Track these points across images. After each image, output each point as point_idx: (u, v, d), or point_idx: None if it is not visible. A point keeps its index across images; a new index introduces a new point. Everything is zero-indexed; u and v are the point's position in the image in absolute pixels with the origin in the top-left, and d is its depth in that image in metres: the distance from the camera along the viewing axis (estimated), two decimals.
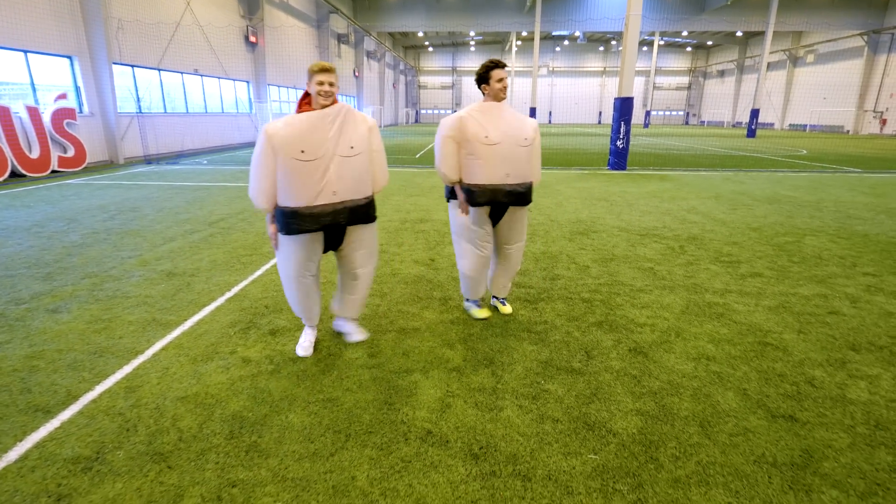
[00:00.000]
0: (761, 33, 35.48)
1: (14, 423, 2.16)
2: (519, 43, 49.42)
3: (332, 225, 2.46)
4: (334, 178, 2.40)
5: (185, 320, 3.22)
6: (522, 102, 50.48)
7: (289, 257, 2.57)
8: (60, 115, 10.89)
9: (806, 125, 38.54)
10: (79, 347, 2.84)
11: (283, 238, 2.53)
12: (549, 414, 2.24)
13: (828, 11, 30.13)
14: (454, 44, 54.54)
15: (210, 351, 2.81)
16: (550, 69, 56.10)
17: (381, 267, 4.37)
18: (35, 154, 10.24)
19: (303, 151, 2.33)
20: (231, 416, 2.21)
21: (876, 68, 32.48)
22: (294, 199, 2.38)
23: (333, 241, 2.65)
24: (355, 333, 2.92)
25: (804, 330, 3.11)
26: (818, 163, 13.48)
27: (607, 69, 55.84)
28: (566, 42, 52.63)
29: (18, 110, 10.09)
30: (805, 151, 17.50)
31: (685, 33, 44.34)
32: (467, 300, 3.33)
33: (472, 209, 2.94)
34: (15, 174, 9.89)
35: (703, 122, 55.56)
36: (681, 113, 58.44)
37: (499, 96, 2.83)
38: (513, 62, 39.66)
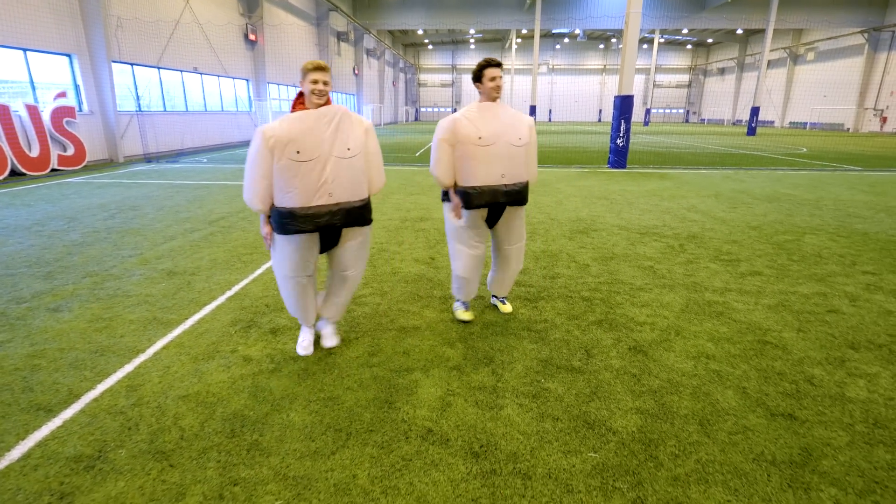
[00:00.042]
0: (762, 31, 35.44)
1: (16, 421, 2.16)
2: (519, 41, 49.35)
3: (327, 226, 2.45)
4: (330, 179, 2.39)
5: (186, 319, 3.23)
6: (522, 100, 50.42)
7: (284, 258, 2.57)
8: (60, 114, 10.88)
9: (806, 123, 38.52)
10: (80, 346, 2.85)
11: (279, 238, 2.53)
12: (550, 412, 2.24)
13: (828, 9, 30.08)
14: (454, 41, 54.45)
15: (211, 350, 2.82)
16: (550, 67, 56.02)
17: (382, 265, 4.38)
18: (35, 153, 10.24)
19: (298, 152, 2.32)
20: (232, 414, 2.22)
21: (876, 66, 32.44)
22: (290, 200, 2.37)
23: (329, 242, 2.64)
24: (329, 338, 2.88)
25: (803, 328, 3.12)
26: (818, 161, 13.48)
27: (607, 67, 55.77)
28: (566, 40, 52.55)
29: (18, 109, 10.08)
30: (805, 149, 17.49)
31: (685, 31, 44.26)
32: (456, 300, 3.32)
33: (467, 211, 2.91)
34: (15, 173, 9.89)
35: (703, 120, 55.51)
36: (681, 111, 58.38)
37: (491, 95, 2.80)
38: (513, 60, 39.61)
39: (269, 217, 2.50)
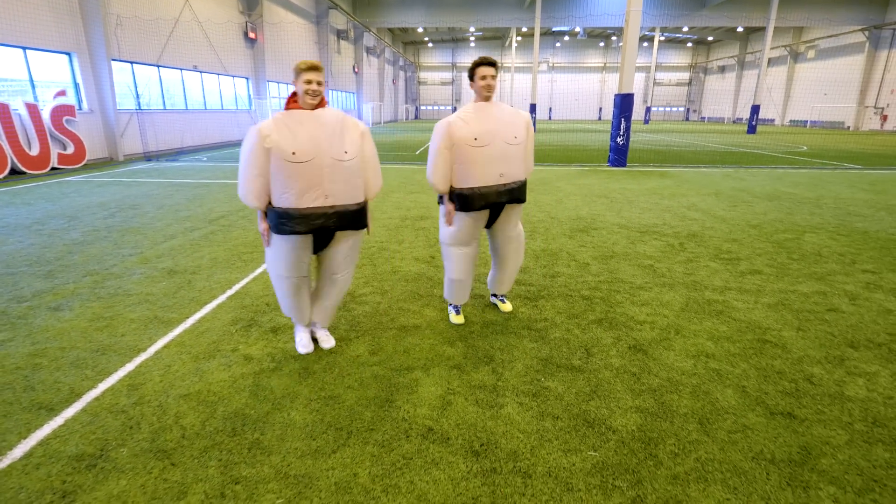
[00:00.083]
0: (762, 29, 35.37)
1: (18, 420, 2.17)
2: (519, 39, 49.26)
3: (321, 228, 2.43)
4: (327, 181, 2.37)
5: (187, 318, 3.23)
6: (523, 99, 50.36)
7: (279, 257, 2.56)
8: (60, 112, 10.87)
9: (806, 121, 38.48)
10: (81, 345, 2.86)
11: (274, 237, 2.52)
12: (550, 411, 2.25)
13: (829, 7, 30.02)
14: (454, 39, 54.35)
15: (212, 349, 2.83)
16: (550, 65, 55.94)
17: (382, 264, 4.38)
18: (35, 151, 10.24)
19: (294, 153, 2.30)
20: (233, 413, 2.23)
21: (877, 64, 32.39)
22: (286, 200, 2.37)
23: (322, 244, 2.62)
24: (326, 341, 2.88)
25: (803, 327, 3.13)
26: (818, 159, 13.47)
27: (607, 65, 55.69)
28: (566, 38, 52.46)
29: (18, 107, 10.07)
30: (805, 148, 17.48)
31: (686, 29, 44.16)
32: (449, 305, 3.30)
33: (465, 214, 2.89)
34: (15, 171, 9.89)
35: (703, 119, 55.45)
36: (681, 109, 58.31)
37: (482, 94, 2.78)
38: (513, 58, 39.53)
39: (266, 214, 2.49)
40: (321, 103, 2.44)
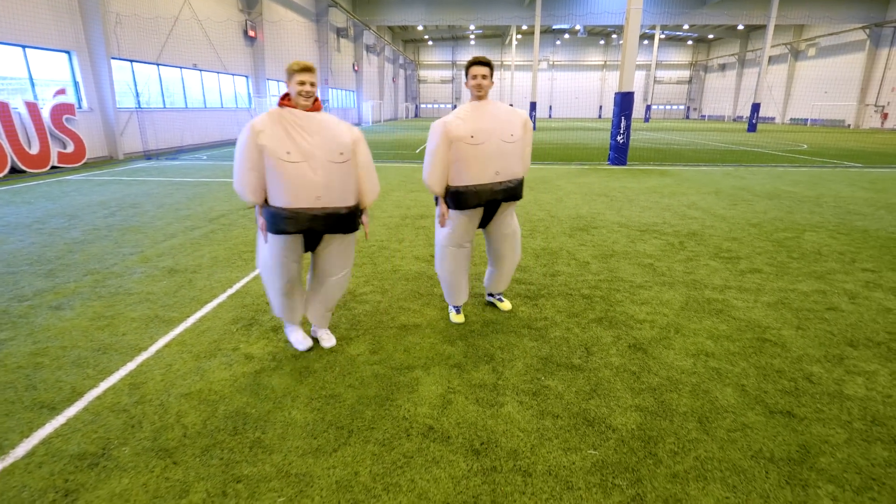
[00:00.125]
0: (763, 27, 35.30)
1: (20, 419, 2.18)
2: (519, 37, 49.17)
3: (310, 230, 2.42)
4: (320, 182, 2.35)
5: (188, 317, 3.24)
6: (523, 97, 50.29)
7: (270, 255, 2.55)
8: (59, 111, 10.87)
9: (807, 119, 38.44)
10: (82, 344, 2.86)
11: (269, 235, 2.51)
12: (550, 410, 2.26)
13: (829, 5, 29.95)
14: (454, 37, 54.25)
15: (213, 348, 2.83)
16: (551, 63, 55.86)
17: (382, 263, 4.39)
18: (34, 150, 10.23)
19: (288, 153, 2.29)
20: (235, 412, 2.24)
21: (878, 62, 32.35)
22: (277, 199, 2.36)
23: (311, 244, 2.61)
24: (326, 340, 2.88)
25: (802, 326, 3.13)
26: (819, 157, 13.47)
27: (608, 63, 55.60)
28: (566, 36, 52.35)
29: (17, 106, 10.07)
30: (806, 146, 17.47)
31: (686, 27, 44.08)
32: (450, 305, 3.29)
33: (461, 213, 2.89)
34: (15, 170, 9.89)
35: (703, 117, 55.40)
36: (681, 107, 58.25)
37: (473, 93, 2.78)
38: (513, 56, 39.44)
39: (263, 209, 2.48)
40: (315, 105, 2.43)
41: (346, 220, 2.50)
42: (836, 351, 2.81)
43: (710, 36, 49.86)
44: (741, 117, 47.82)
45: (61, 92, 11.08)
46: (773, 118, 42.45)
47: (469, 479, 1.84)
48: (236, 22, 19.05)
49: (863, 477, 1.84)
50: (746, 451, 1.99)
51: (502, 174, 2.81)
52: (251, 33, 19.69)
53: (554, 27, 46.34)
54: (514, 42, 41.05)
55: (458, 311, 3.22)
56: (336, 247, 2.64)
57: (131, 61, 13.84)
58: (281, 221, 2.38)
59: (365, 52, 35.13)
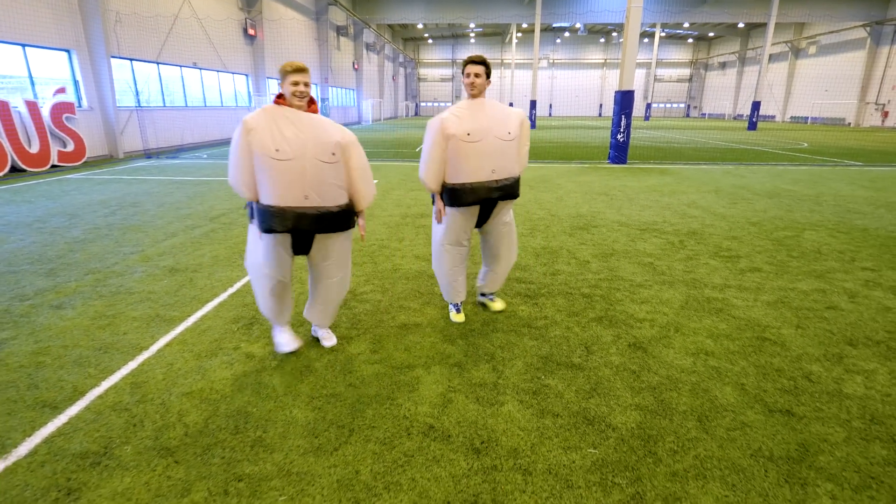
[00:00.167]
0: (763, 25, 35.24)
1: (22, 418, 2.19)
2: (519, 35, 49.10)
3: (297, 229, 2.40)
4: (308, 182, 2.34)
5: (189, 316, 3.25)
6: (523, 95, 50.22)
7: (259, 254, 2.53)
8: (59, 110, 10.86)
9: (807, 117, 38.41)
10: (84, 343, 2.87)
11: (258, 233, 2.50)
12: (550, 409, 2.27)
13: (830, 3, 29.90)
14: (454, 36, 54.17)
15: (214, 347, 2.84)
16: (551, 61, 55.78)
17: (383, 262, 4.39)
18: (35, 149, 10.23)
19: (278, 150, 2.28)
20: (236, 411, 2.24)
21: (878, 60, 32.30)
22: (266, 197, 2.36)
23: (301, 246, 2.57)
24: (327, 339, 2.88)
25: (802, 325, 3.14)
26: (819, 156, 13.46)
27: (608, 61, 55.53)
28: (567, 34, 52.27)
29: (17, 104, 10.06)
30: (806, 144, 17.46)
31: (686, 25, 44.01)
32: (449, 304, 3.30)
33: (457, 210, 2.89)
34: (15, 169, 9.89)
35: (704, 115, 55.36)
36: (682, 105, 58.20)
37: (468, 91, 2.79)
38: (513, 54, 39.38)
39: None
40: (310, 106, 2.42)
41: (337, 219, 2.48)
42: (835, 350, 2.82)
43: (711, 34, 49.78)
44: (741, 115, 47.78)
45: (61, 91, 11.08)
46: (773, 116, 42.42)
47: (469, 477, 1.85)
48: (236, 20, 19.03)
49: (861, 475, 1.85)
50: (746, 449, 1.99)
51: (498, 172, 2.81)
52: (251, 32, 19.66)
53: (554, 25, 46.27)
54: (515, 40, 40.99)
55: (458, 310, 3.23)
56: (330, 248, 2.61)
57: (131, 60, 13.83)
58: (269, 219, 2.36)
59: (365, 51, 35.09)
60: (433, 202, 2.98)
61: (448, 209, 2.91)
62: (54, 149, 10.67)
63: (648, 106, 43.07)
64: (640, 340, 2.93)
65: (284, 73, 2.33)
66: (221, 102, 18.85)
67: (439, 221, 2.95)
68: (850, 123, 34.52)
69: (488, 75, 2.79)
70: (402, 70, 51.76)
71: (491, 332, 3.04)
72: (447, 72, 56.97)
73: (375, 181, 8.99)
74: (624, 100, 11.38)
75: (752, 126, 27.32)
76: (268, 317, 2.75)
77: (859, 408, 2.27)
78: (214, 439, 2.05)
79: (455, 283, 3.12)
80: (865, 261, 4.43)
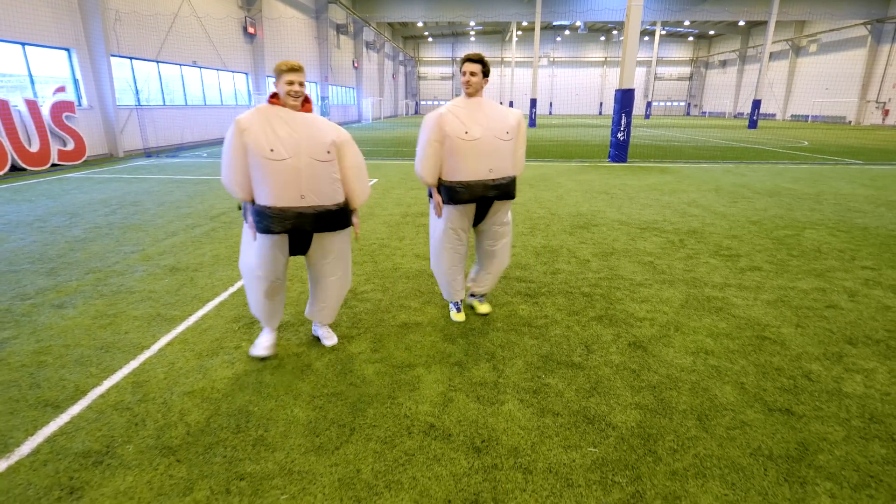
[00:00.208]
0: (764, 23, 35.18)
1: (25, 417, 2.20)
2: (519, 33, 49.03)
3: (296, 229, 2.39)
4: (304, 181, 2.33)
5: (190, 315, 3.26)
6: (523, 93, 50.20)
7: (253, 255, 2.52)
8: (59, 108, 10.86)
9: (808, 116, 38.36)
10: (85, 343, 2.88)
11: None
12: (550, 408, 2.27)
13: (831, 1, 29.85)
14: (454, 34, 54.10)
15: (215, 346, 2.85)
16: (551, 59, 55.72)
17: (383, 261, 4.40)
18: (35, 147, 10.23)
19: (272, 150, 2.27)
20: (237, 410, 2.25)
21: (879, 58, 32.25)
22: (261, 198, 2.35)
23: (299, 246, 2.57)
24: (328, 338, 2.88)
25: (802, 324, 3.14)
26: (819, 154, 13.46)
27: (608, 59, 55.46)
28: (567, 32, 52.21)
29: (17, 103, 10.06)
30: (806, 143, 17.45)
31: (687, 23, 43.94)
32: (449, 303, 3.30)
33: (453, 207, 2.89)
34: (15, 168, 9.89)
35: (704, 113, 55.30)
36: (682, 103, 58.13)
37: (464, 89, 2.78)
38: (513, 53, 39.33)
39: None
40: (305, 105, 2.42)
41: (335, 218, 2.48)
42: (835, 349, 2.82)
43: (711, 32, 49.70)
44: (742, 114, 47.72)
45: (61, 89, 11.07)
46: (773, 115, 42.37)
47: (470, 476, 1.86)
48: (236, 19, 19.00)
49: (860, 474, 1.86)
50: (745, 448, 2.00)
51: (496, 171, 2.81)
52: (251, 30, 19.64)
53: (554, 23, 46.20)
54: (515, 38, 40.94)
55: (458, 309, 3.23)
56: (328, 247, 2.61)
57: (131, 58, 13.82)
58: (267, 220, 2.36)
59: (365, 49, 35.05)
60: (430, 197, 2.98)
61: (445, 207, 2.91)
62: (54, 148, 10.68)
63: (649, 104, 43.02)
64: (640, 339, 2.94)
65: (279, 73, 2.32)
66: (221, 101, 18.84)
67: (439, 215, 2.95)
68: (850, 122, 34.48)
69: (486, 74, 2.77)
70: (402, 68, 51.70)
71: (491, 332, 3.04)
72: (447, 70, 56.89)
73: (375, 180, 8.99)
74: (624, 98, 11.37)
75: (753, 124, 27.30)
76: (259, 318, 2.74)
77: (859, 407, 2.28)
78: (216, 438, 2.06)
79: (454, 281, 3.13)
80: (865, 259, 4.43)
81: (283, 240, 2.50)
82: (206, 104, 17.73)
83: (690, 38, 54.99)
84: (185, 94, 16.58)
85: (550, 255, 4.55)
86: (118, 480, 1.83)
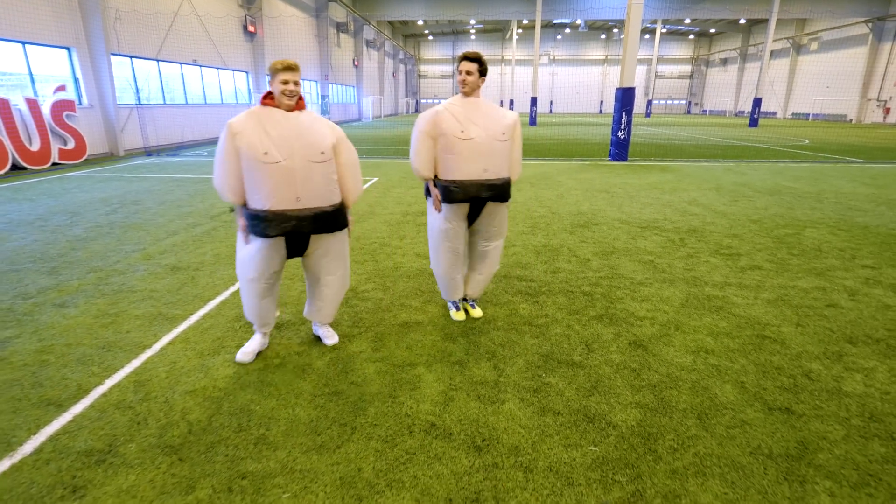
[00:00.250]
0: (764, 21, 35.10)
1: (27, 416, 2.21)
2: (520, 31, 48.91)
3: (294, 232, 2.39)
4: (299, 183, 2.32)
5: (191, 314, 3.26)
6: (524, 92, 50.13)
7: (249, 258, 2.51)
8: (60, 107, 10.86)
9: (809, 114, 38.31)
10: (87, 342, 2.89)
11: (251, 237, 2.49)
12: (550, 407, 2.28)
13: None
14: (454, 32, 54.02)
15: (216, 345, 2.86)
16: (552, 58, 55.63)
17: (384, 260, 4.40)
18: (35, 146, 10.24)
19: (266, 153, 2.26)
20: (239, 409, 2.26)
21: (880, 56, 32.19)
22: (257, 202, 2.34)
23: (296, 248, 2.57)
24: (329, 338, 2.88)
25: (802, 323, 3.15)
26: (820, 153, 13.44)
27: (609, 58, 55.37)
28: (567, 30, 52.09)
29: (18, 102, 10.06)
30: (807, 141, 17.43)
31: (688, 21, 43.86)
32: (448, 301, 3.30)
33: (448, 206, 2.89)
34: (16, 167, 9.90)
35: (705, 112, 55.22)
36: (683, 102, 58.05)
37: (460, 88, 2.78)
38: (514, 51, 39.26)
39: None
40: (299, 104, 2.41)
41: (333, 219, 2.48)
42: (835, 348, 2.83)
43: (712, 30, 49.60)
44: (743, 112, 47.65)
45: (61, 88, 11.07)
46: (774, 113, 42.31)
47: (471, 475, 1.87)
48: (236, 17, 18.98)
49: (860, 473, 1.87)
50: (745, 447, 2.01)
51: (490, 171, 2.80)
52: (251, 29, 19.62)
53: (555, 21, 46.11)
54: (515, 37, 40.86)
55: (457, 308, 3.24)
56: (327, 246, 2.61)
57: (131, 57, 13.81)
58: (262, 224, 2.35)
59: (365, 48, 35.01)
60: (427, 194, 2.98)
61: (441, 206, 2.92)
62: (55, 146, 10.68)
63: (649, 103, 42.96)
64: (640, 338, 2.94)
65: (274, 71, 2.31)
66: (222, 100, 18.83)
67: (438, 209, 2.94)
68: (851, 120, 34.43)
69: (483, 73, 2.76)
70: (402, 67, 51.64)
71: (492, 331, 3.05)
72: (447, 68, 56.81)
73: (375, 179, 8.99)
74: (625, 96, 11.36)
75: (754, 123, 27.26)
76: (252, 321, 2.73)
77: (858, 406, 2.28)
78: (218, 437, 2.07)
79: (453, 281, 3.13)
80: (866, 258, 4.43)
81: (279, 242, 2.49)
82: (206, 103, 17.73)
83: (691, 37, 54.88)
84: (185, 93, 16.58)
85: (551, 254, 4.56)
86: (121, 479, 1.84)
